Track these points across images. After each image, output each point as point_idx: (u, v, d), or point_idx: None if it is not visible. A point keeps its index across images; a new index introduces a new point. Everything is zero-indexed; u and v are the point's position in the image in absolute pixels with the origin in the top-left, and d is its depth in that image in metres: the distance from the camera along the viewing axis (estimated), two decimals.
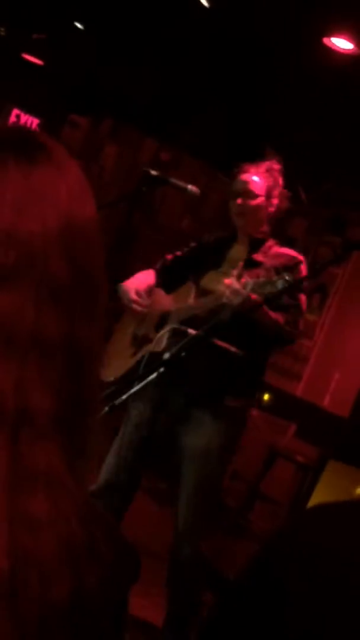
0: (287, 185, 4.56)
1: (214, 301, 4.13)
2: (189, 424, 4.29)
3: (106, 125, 10.31)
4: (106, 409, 3.22)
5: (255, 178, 4.44)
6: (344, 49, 5.96)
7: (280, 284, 3.76)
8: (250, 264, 4.34)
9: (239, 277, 4.15)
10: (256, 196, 4.42)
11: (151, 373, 3.36)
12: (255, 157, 4.53)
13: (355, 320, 8.38)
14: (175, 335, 4.13)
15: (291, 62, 6.46)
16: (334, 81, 6.38)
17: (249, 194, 4.42)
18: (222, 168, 8.72)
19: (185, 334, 3.87)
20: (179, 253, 4.73)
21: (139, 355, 4.48)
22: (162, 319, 4.48)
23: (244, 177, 4.47)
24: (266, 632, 0.96)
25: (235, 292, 3.94)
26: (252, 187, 4.43)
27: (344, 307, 8.66)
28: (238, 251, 4.49)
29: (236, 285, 3.95)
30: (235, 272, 4.16)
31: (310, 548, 1.00)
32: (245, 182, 4.45)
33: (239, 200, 4.43)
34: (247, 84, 7.12)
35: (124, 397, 3.32)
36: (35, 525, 0.86)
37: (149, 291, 4.51)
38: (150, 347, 4.41)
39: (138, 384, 3.36)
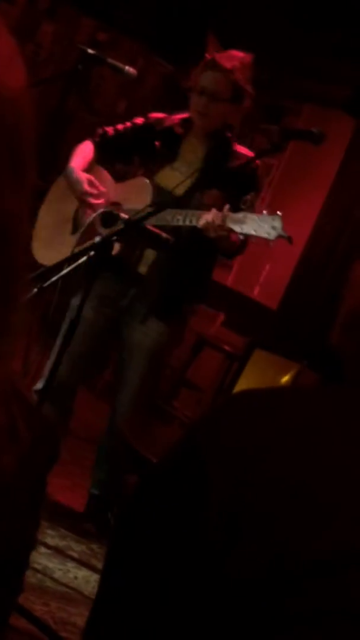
0: None
1: (185, 222, 4.02)
2: (136, 319, 4.26)
3: (43, 2, 10.04)
4: (34, 290, 3.19)
5: (225, 77, 4.15)
6: None
7: (258, 228, 3.70)
8: (209, 165, 4.23)
9: (196, 187, 4.08)
10: (224, 98, 4.18)
11: (82, 256, 3.33)
12: (193, 39, 4.37)
13: (288, 212, 8.34)
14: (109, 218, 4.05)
15: None
16: None
17: (215, 95, 4.18)
18: (159, 50, 8.58)
19: (118, 217, 3.81)
20: (120, 127, 4.49)
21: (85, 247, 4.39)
22: (111, 213, 4.34)
23: (215, 75, 4.18)
24: (185, 515, 0.97)
25: (216, 229, 3.85)
26: (221, 87, 4.17)
27: (278, 199, 8.64)
28: (194, 148, 4.32)
29: (218, 221, 3.84)
30: (208, 201, 4.04)
31: (233, 432, 1.00)
32: (215, 82, 4.17)
33: (204, 100, 4.19)
34: None
35: (53, 278, 3.29)
36: None
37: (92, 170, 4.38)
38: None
39: (68, 266, 3.32)
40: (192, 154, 4.31)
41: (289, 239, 3.74)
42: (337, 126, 7.10)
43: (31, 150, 0.94)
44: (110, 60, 4.21)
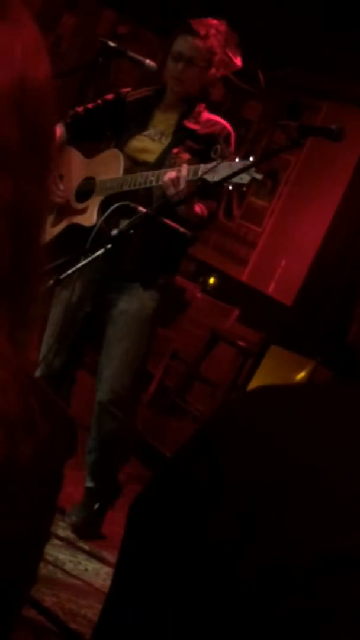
0: (246, 67, 4.45)
1: (147, 182, 4.03)
2: (121, 294, 4.24)
3: None
4: (51, 281, 3.19)
5: (197, 41, 4.16)
6: None
7: (230, 173, 3.68)
8: (181, 132, 4.22)
9: (170, 147, 4.08)
10: (199, 63, 4.18)
11: (98, 249, 3.34)
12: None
13: (305, 209, 8.37)
14: (122, 211, 4.03)
15: None
16: None
17: (191, 60, 4.17)
18: None
19: (135, 211, 3.81)
20: (90, 105, 4.48)
21: (62, 225, 4.37)
22: (85, 188, 4.34)
23: (190, 39, 4.18)
24: (198, 513, 0.97)
25: (176, 183, 3.85)
26: (196, 52, 4.17)
27: (295, 195, 8.63)
28: (167, 115, 4.31)
29: (186, 173, 3.85)
30: (176, 161, 4.03)
31: (247, 429, 1.00)
32: (190, 47, 4.17)
33: (180, 65, 4.18)
34: None
35: (70, 271, 3.30)
36: None
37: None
38: (80, 219, 4.30)
39: (85, 259, 3.33)
40: (165, 121, 4.28)
41: (260, 180, 3.72)
42: (355, 123, 7.08)
43: (52, 141, 0.94)
44: (130, 53, 4.22)
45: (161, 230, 3.95)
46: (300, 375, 5.58)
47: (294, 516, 0.92)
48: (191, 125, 4.22)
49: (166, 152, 4.15)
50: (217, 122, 4.27)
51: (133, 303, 4.22)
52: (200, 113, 4.27)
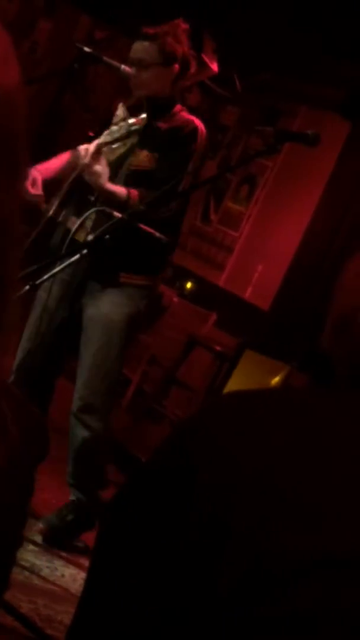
0: (223, 72, 4.45)
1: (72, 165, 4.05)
2: (93, 299, 4.21)
3: None
4: (26, 287, 3.19)
5: (147, 43, 4.15)
6: None
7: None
8: (149, 130, 4.18)
9: (129, 151, 4.09)
10: (149, 65, 4.16)
11: (73, 254, 3.33)
12: (189, 40, 4.33)
13: (282, 214, 8.38)
14: (99, 216, 4.03)
15: None
16: None
17: (141, 63, 4.16)
18: None
19: (110, 216, 3.80)
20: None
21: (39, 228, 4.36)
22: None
23: (138, 43, 4.18)
24: (172, 517, 0.97)
25: (85, 155, 3.89)
26: (144, 54, 4.16)
27: (272, 200, 8.65)
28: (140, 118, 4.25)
29: (86, 149, 3.89)
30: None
31: (220, 434, 1.00)
32: (138, 49, 4.17)
33: (133, 70, 4.17)
34: None
35: (45, 276, 3.29)
36: None
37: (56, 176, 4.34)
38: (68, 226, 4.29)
39: (60, 264, 3.32)
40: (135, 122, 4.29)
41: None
42: (332, 129, 7.11)
43: (24, 147, 0.94)
44: (106, 58, 4.22)
45: (135, 234, 3.94)
46: (275, 379, 5.58)
47: (267, 521, 0.92)
48: (160, 124, 4.21)
49: (128, 151, 4.16)
50: (184, 119, 4.26)
51: (102, 308, 4.17)
52: (174, 115, 4.26)
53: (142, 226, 3.85)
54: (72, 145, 4.47)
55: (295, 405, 1.05)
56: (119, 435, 4.52)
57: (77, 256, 3.34)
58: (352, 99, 7.41)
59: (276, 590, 0.88)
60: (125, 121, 4.14)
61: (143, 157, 4.13)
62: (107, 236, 3.42)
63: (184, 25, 4.22)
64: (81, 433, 4.18)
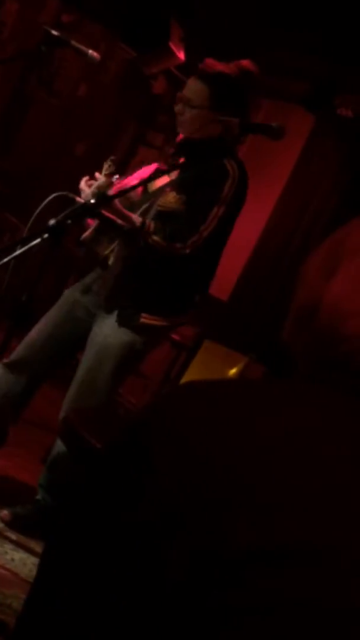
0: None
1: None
2: (97, 321, 4.21)
3: None
4: None
5: (202, 83, 4.02)
6: None
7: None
8: (184, 171, 4.11)
9: (163, 187, 4.07)
10: (198, 105, 4.04)
11: (34, 238, 3.31)
12: (156, 27, 4.30)
13: (244, 206, 8.37)
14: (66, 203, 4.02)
15: None
16: None
17: (190, 102, 4.04)
18: (123, 36, 8.54)
19: (73, 201, 3.80)
20: None
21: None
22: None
23: (192, 81, 4.03)
24: (127, 506, 0.97)
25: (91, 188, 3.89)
26: (190, 93, 4.04)
27: None
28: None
29: (100, 181, 3.87)
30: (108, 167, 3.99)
31: (176, 423, 1.00)
32: (189, 88, 4.05)
33: (180, 106, 4.06)
34: None
35: (5, 259, 3.27)
36: None
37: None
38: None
39: (21, 247, 3.30)
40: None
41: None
42: (295, 122, 7.12)
43: None
44: (74, 42, 4.19)
45: (152, 270, 3.95)
46: (233, 370, 5.60)
47: (221, 510, 0.93)
48: (195, 165, 4.13)
49: (163, 187, 4.15)
50: (222, 164, 4.13)
51: (104, 329, 4.14)
52: (211, 157, 4.14)
53: (104, 212, 3.83)
54: (35, 129, 4.47)
55: (252, 395, 1.05)
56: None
57: (37, 240, 3.31)
58: (316, 92, 7.42)
59: (230, 576, 0.89)
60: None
61: (171, 198, 4.09)
62: (69, 221, 3.39)
63: (254, 68, 4.10)
64: (61, 445, 4.17)
